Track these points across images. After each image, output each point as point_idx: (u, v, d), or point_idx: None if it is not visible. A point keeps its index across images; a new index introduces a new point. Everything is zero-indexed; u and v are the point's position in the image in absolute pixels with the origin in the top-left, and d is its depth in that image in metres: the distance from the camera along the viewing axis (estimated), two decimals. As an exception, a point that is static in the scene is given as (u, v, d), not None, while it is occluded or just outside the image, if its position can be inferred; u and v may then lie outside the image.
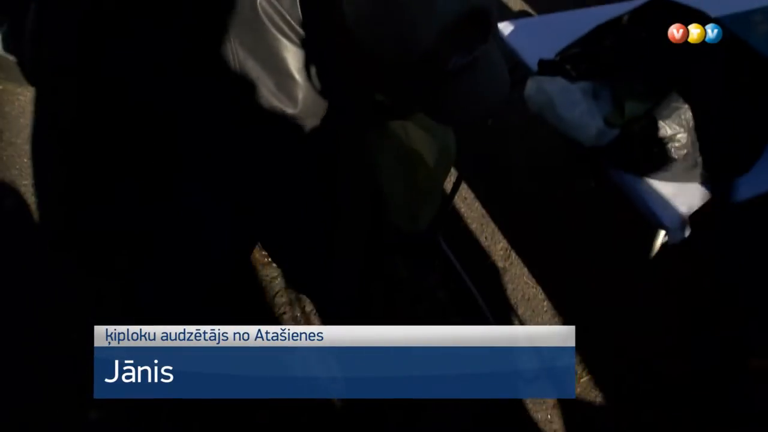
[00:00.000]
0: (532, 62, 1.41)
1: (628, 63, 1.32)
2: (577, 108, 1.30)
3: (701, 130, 1.26)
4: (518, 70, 1.48)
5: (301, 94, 0.86)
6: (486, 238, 2.15)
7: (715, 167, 1.29)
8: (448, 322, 1.78)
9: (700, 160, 1.28)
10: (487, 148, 2.41)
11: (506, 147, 2.44)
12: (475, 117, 0.92)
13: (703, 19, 1.25)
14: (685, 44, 1.26)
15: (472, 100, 0.87)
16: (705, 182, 1.30)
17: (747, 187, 1.30)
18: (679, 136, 1.25)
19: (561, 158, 2.42)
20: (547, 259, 2.12)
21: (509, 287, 2.03)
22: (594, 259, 2.14)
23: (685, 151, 1.28)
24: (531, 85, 1.33)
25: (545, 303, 2.01)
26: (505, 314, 1.97)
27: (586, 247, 2.17)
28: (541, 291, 2.03)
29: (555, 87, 1.31)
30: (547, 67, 1.38)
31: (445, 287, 1.85)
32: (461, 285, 1.98)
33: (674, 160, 1.28)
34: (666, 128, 1.24)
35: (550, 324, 1.96)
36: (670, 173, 1.29)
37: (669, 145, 1.26)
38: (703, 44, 1.24)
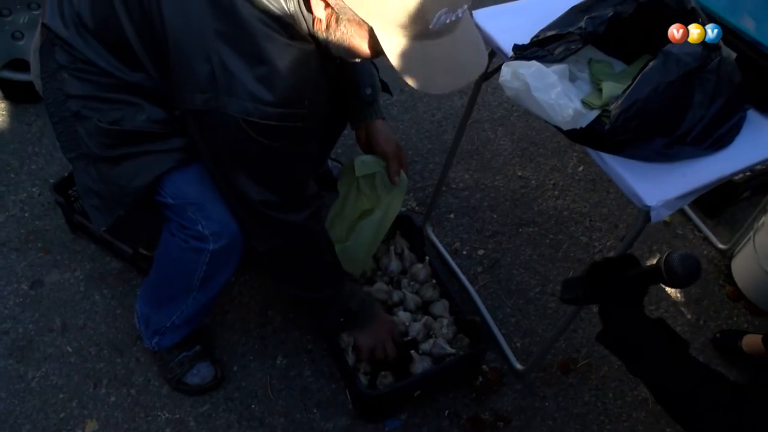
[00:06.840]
0: (508, 48, 1.40)
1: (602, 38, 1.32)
2: (553, 90, 1.28)
3: (681, 108, 1.25)
4: (495, 57, 1.46)
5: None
6: (476, 229, 2.14)
7: (696, 143, 1.27)
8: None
9: (680, 137, 1.26)
10: (474, 137, 2.40)
11: (495, 135, 2.42)
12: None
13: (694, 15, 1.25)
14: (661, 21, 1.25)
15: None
16: (687, 160, 1.28)
17: (728, 163, 1.29)
18: (658, 113, 1.23)
19: (550, 143, 2.41)
20: (540, 249, 2.10)
21: (501, 276, 2.02)
22: (587, 245, 2.13)
23: (665, 129, 1.26)
24: (506, 71, 1.30)
25: (537, 291, 2.00)
26: (496, 303, 1.96)
27: (579, 234, 2.16)
28: (533, 280, 2.02)
29: (530, 71, 1.29)
30: (521, 52, 1.36)
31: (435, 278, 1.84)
32: (451, 276, 1.97)
33: (654, 138, 1.26)
34: (644, 106, 1.22)
35: (542, 315, 1.94)
36: (651, 152, 1.27)
37: (649, 124, 1.25)
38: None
